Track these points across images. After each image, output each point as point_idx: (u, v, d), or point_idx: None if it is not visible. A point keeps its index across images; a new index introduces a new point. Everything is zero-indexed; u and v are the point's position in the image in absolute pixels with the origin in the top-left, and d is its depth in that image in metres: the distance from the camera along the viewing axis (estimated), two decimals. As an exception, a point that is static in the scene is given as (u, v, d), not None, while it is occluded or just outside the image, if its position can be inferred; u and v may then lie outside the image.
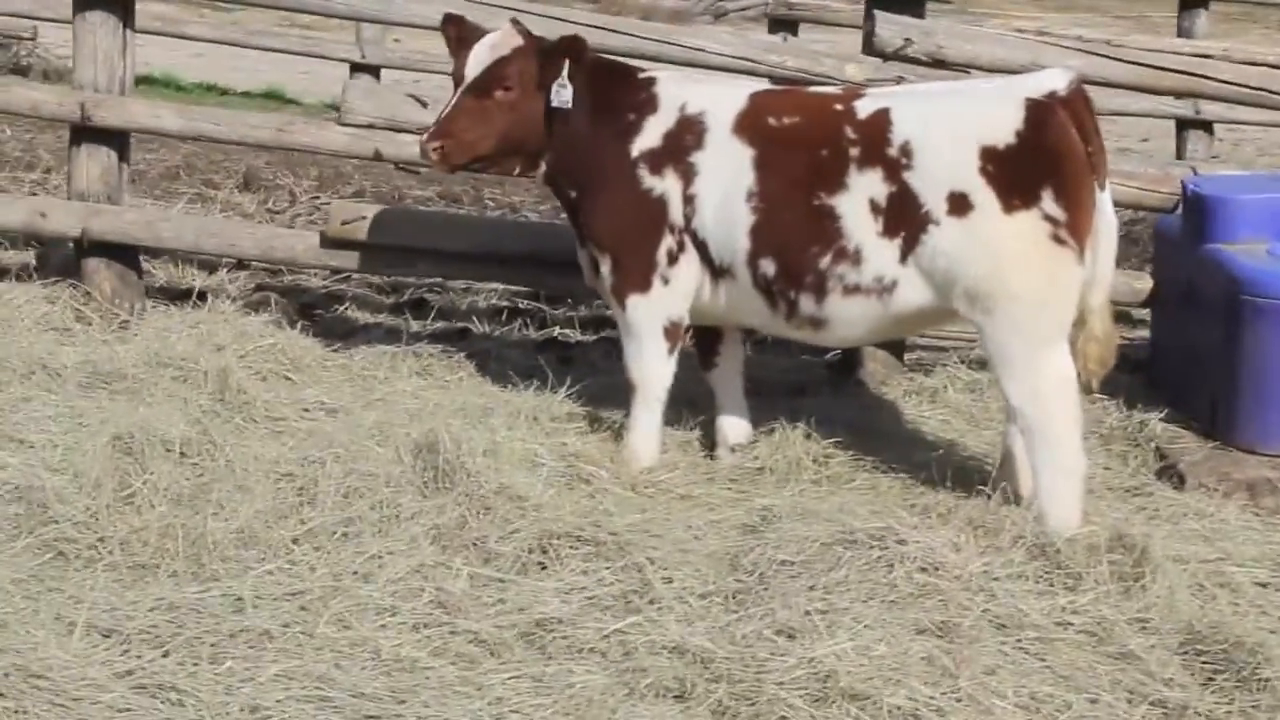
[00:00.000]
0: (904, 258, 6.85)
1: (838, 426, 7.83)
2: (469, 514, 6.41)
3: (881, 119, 6.92)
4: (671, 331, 7.33)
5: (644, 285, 7.26)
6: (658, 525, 6.71)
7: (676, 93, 7.33)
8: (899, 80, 8.13)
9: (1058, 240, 6.66)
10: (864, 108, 7.00)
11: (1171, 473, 7.60)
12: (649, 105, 7.30)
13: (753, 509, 6.94)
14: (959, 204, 6.74)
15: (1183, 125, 15.83)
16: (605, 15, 8.67)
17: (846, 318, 7.03)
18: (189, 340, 8.36)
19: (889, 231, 6.85)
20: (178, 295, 9.54)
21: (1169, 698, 5.66)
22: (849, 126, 6.96)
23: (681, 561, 6.36)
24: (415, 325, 9.51)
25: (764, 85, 7.70)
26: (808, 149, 7.00)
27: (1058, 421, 6.73)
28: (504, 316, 9.79)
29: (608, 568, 6.25)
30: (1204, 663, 5.87)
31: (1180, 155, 15.59)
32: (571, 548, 6.38)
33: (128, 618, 5.82)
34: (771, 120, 7.12)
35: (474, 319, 9.68)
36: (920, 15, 8.47)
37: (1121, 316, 9.68)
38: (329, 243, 8.70)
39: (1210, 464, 7.58)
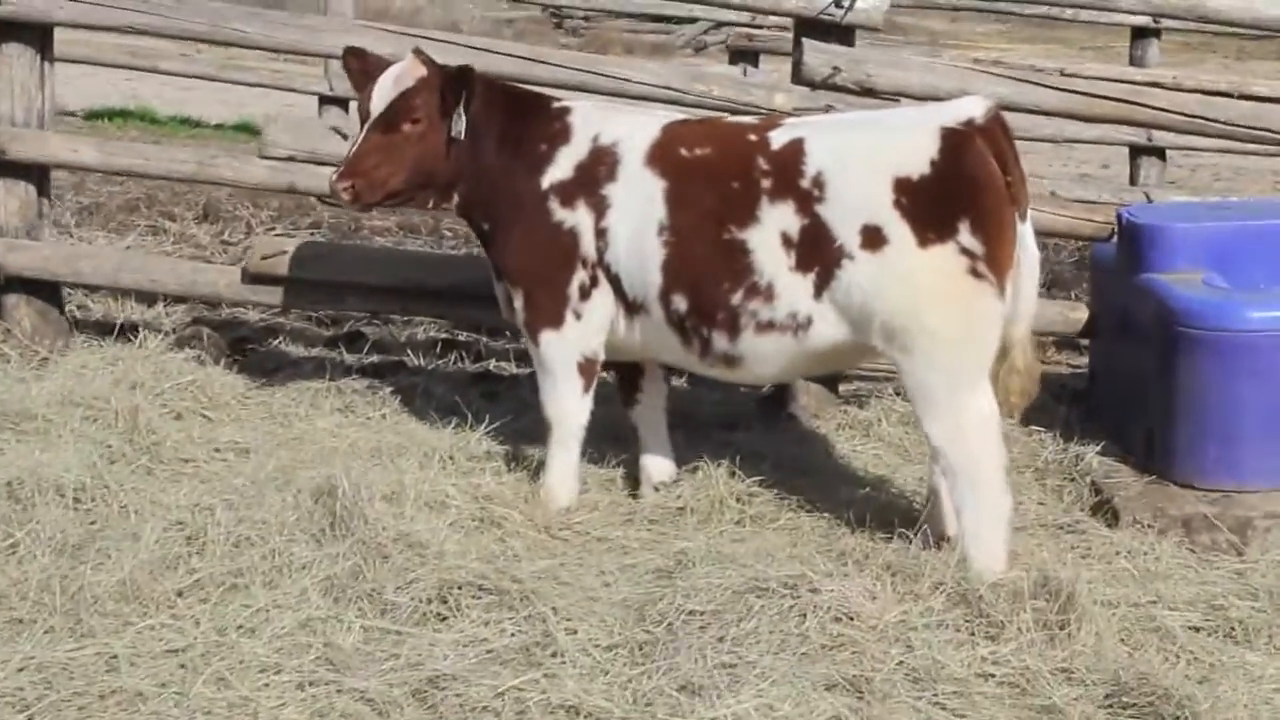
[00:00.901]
0: (818, 293, 6.32)
1: (765, 463, 7.31)
2: (364, 563, 5.88)
3: (795, 150, 6.40)
4: (586, 368, 6.82)
5: (556, 320, 6.74)
6: (568, 571, 6.17)
7: (589, 123, 6.81)
8: (828, 109, 7.61)
9: (975, 274, 6.13)
10: (778, 138, 6.48)
11: (1106, 508, 7.08)
12: (561, 136, 6.78)
13: (669, 552, 6.39)
14: (872, 237, 6.21)
15: (1136, 152, 15.36)
16: (529, 46, 8.11)
17: (761, 355, 6.51)
18: (106, 378, 7.78)
19: (802, 266, 6.32)
20: (111, 330, 9.00)
21: (1091, 756, 5.14)
22: (761, 158, 6.43)
23: (588, 611, 5.80)
24: (350, 359, 8.95)
25: (681, 116, 7.12)
26: (719, 181, 6.47)
27: (981, 462, 6.21)
28: (438, 349, 9.22)
29: (510, 618, 5.72)
30: (1130, 716, 5.35)
31: (1133, 181, 15.18)
32: (474, 597, 5.85)
33: (-10, 679, 5.29)
34: (684, 151, 6.59)
35: (409, 352, 9.12)
36: (849, 44, 7.93)
37: (1067, 345, 9.22)
38: (251, 278, 8.17)
39: (1146, 499, 7.06)
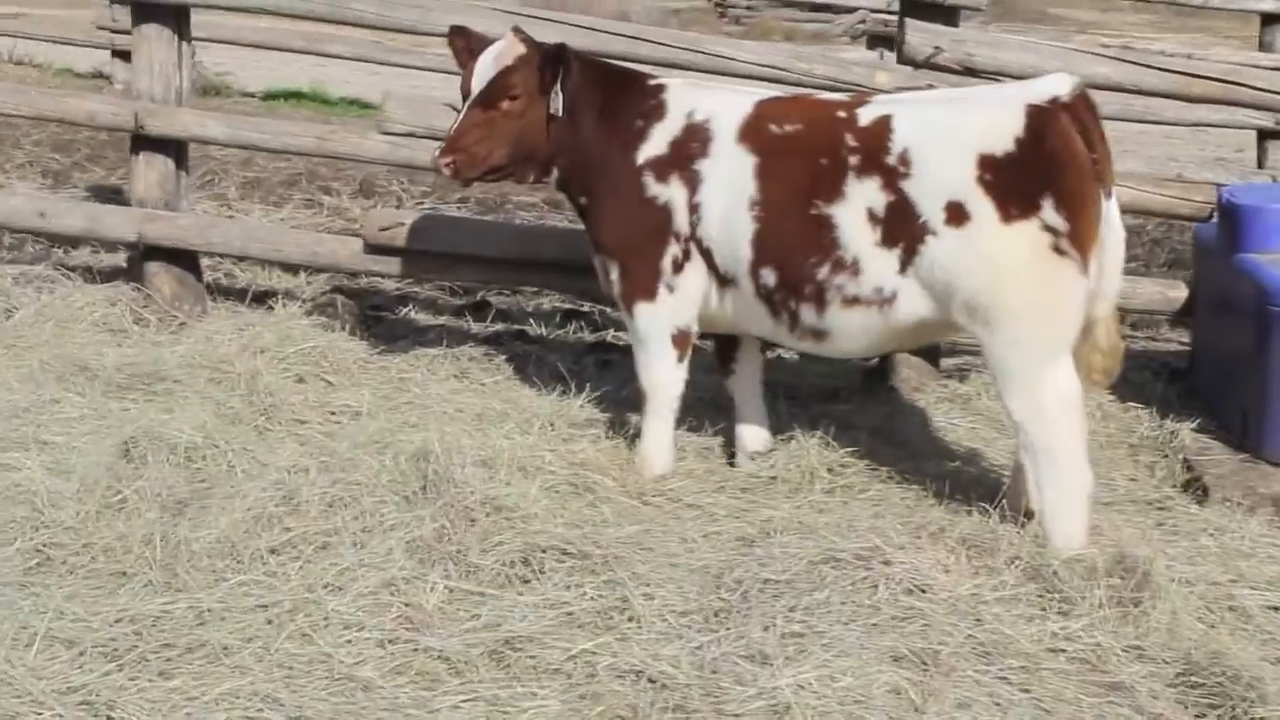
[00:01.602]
0: (903, 268, 6.03)
1: (862, 434, 7.05)
2: (451, 525, 5.68)
3: (882, 126, 6.10)
4: (680, 339, 6.57)
5: (651, 293, 6.50)
6: (653, 537, 5.95)
7: (684, 99, 6.56)
8: (929, 87, 7.30)
9: (1059, 251, 5.78)
10: (866, 114, 6.18)
11: (1196, 485, 6.74)
12: (656, 112, 6.54)
13: (755, 520, 6.17)
14: (957, 213, 5.89)
15: (1264, 136, 14.77)
16: (635, 25, 7.86)
17: (848, 329, 6.22)
18: (234, 343, 7.68)
19: (887, 241, 6.03)
20: (255, 297, 8.91)
21: (1153, 734, 4.84)
22: (849, 134, 6.14)
23: (667, 577, 5.60)
24: (474, 327, 8.78)
25: (774, 92, 6.84)
26: (808, 156, 6.19)
27: (1061, 439, 5.87)
28: (559, 319, 9.03)
29: (591, 583, 5.52)
30: (1199, 696, 5.03)
31: (1261, 165, 14.59)
32: (557, 561, 5.65)
33: (90, 629, 5.18)
34: (774, 127, 6.32)
35: (531, 321, 8.94)
36: (954, 24, 7.60)
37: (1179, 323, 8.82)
38: (370, 249, 8.01)
39: (1237, 477, 6.71)
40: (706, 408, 7.19)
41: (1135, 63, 7.39)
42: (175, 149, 8.18)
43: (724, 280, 6.41)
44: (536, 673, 5.04)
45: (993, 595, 5.38)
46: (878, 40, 16.71)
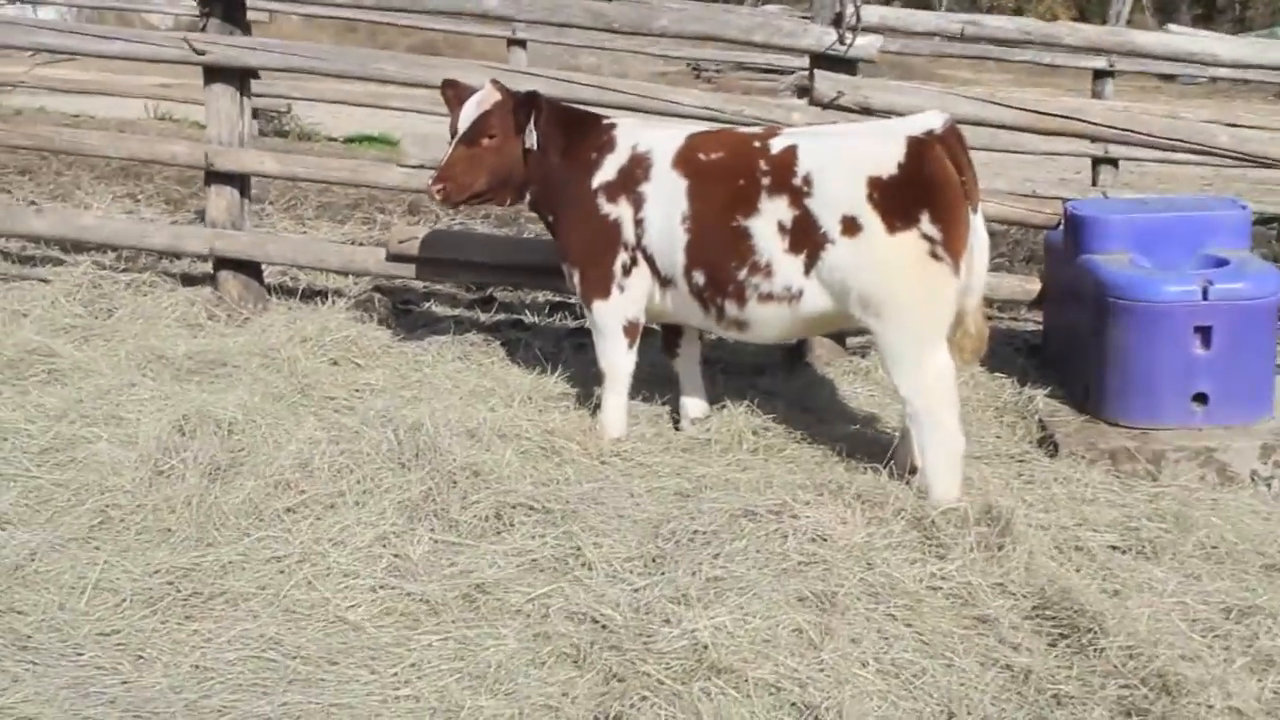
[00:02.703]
0: (807, 270, 5.38)
1: (781, 402, 6.38)
2: (436, 487, 5.02)
3: (789, 154, 5.46)
4: (630, 329, 5.91)
5: (605, 293, 5.85)
6: (605, 493, 5.28)
7: (630, 135, 5.91)
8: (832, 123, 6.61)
9: (935, 256, 5.15)
10: (776, 145, 5.54)
11: (1049, 442, 6.06)
12: (608, 146, 5.89)
13: (692, 477, 5.50)
14: (850, 225, 5.25)
15: (1096, 161, 14.06)
16: (600, 77, 7.15)
17: (763, 320, 5.57)
18: (283, 333, 6.98)
19: (794, 249, 5.38)
20: (310, 295, 8.19)
21: (1016, 662, 4.22)
22: (763, 160, 5.49)
23: (615, 528, 4.96)
24: (483, 318, 8.08)
25: (702, 128, 6.16)
26: (730, 179, 5.54)
27: (939, 409, 5.23)
28: (547, 310, 8.33)
29: (552, 534, 4.89)
30: (1051, 627, 4.40)
31: (1094, 184, 13.88)
32: (526, 515, 5.00)
33: (133, 579, 4.59)
34: (702, 155, 5.66)
35: (526, 312, 8.24)
36: (853, 74, 6.89)
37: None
38: (391, 257, 7.33)
39: (1081, 435, 6.02)
40: (658, 382, 6.51)
41: (996, 103, 6.67)
42: (240, 181, 7.47)
43: (664, 281, 5.76)
44: (501, 613, 4.43)
45: (882, 543, 4.74)
46: (805, 91, 15.97)
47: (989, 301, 7.05)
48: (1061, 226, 6.75)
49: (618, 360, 5.94)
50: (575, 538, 4.81)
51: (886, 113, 6.69)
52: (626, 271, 5.81)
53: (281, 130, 17.73)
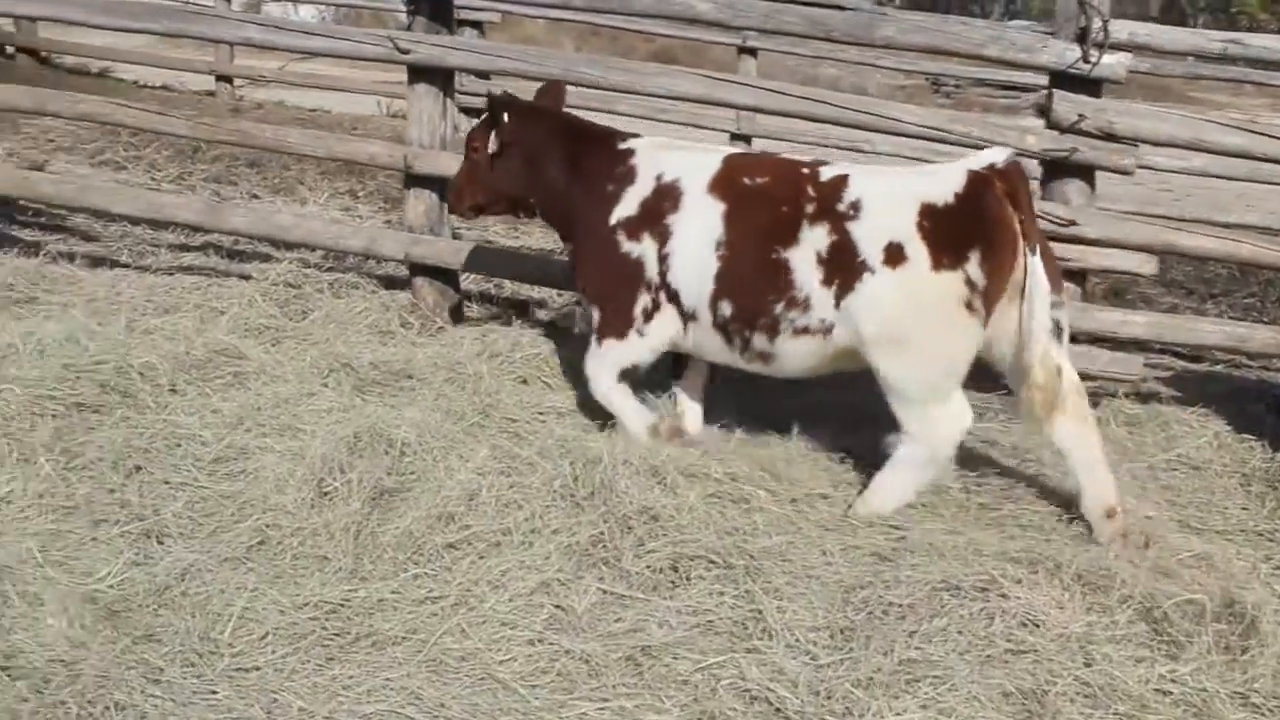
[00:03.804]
0: (839, 301, 5.09)
1: (999, 452, 5.78)
2: (608, 531, 4.60)
3: (839, 181, 5.19)
4: (630, 370, 5.65)
5: (621, 335, 5.57)
6: (796, 549, 4.76)
7: (652, 162, 5.57)
8: (1074, 150, 5.99)
9: (969, 307, 4.91)
10: (827, 172, 5.26)
11: (1306, 520, 5.30)
12: (627, 177, 5.56)
13: (891, 537, 4.94)
14: (895, 255, 4.98)
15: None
16: (814, 89, 6.61)
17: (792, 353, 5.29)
18: (474, 347, 6.67)
19: (830, 278, 5.09)
20: (518, 305, 7.90)
21: (1259, 794, 3.54)
22: (810, 186, 5.22)
23: (802, 591, 4.47)
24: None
25: (738, 149, 6.08)
26: (773, 205, 5.24)
27: (941, 452, 5.10)
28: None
29: (732, 591, 4.43)
30: (1306, 752, 3.71)
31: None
32: (705, 568, 4.54)
33: (280, 611, 4.30)
34: (745, 180, 5.36)
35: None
36: (1096, 95, 6.22)
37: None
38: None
39: (1345, 514, 5.26)
40: (868, 423, 5.97)
41: (1259, 133, 5.92)
42: (439, 185, 7.19)
43: (687, 314, 5.44)
44: (666, 682, 3.99)
45: (1104, 635, 4.15)
46: (1042, 111, 15.10)
47: (1240, 353, 6.34)
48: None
49: (610, 396, 5.62)
50: (757, 599, 4.35)
51: (1132, 139, 6.05)
52: (648, 317, 5.49)
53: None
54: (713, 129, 14.71)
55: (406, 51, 6.83)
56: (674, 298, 5.42)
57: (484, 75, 11.94)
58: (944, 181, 4.98)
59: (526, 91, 6.35)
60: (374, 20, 26.28)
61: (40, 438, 5.29)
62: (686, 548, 4.57)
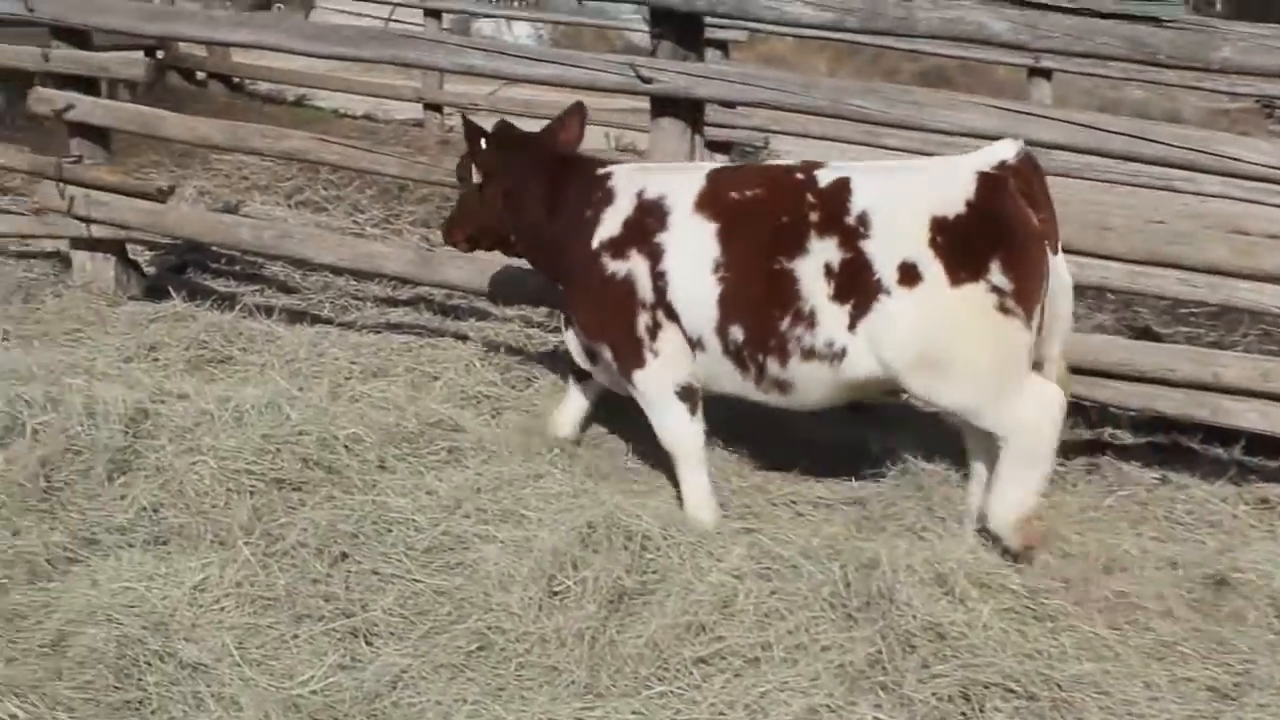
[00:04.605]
0: (853, 325, 5.42)
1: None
2: (887, 650, 4.54)
3: (840, 187, 5.50)
4: (685, 394, 5.86)
5: (639, 360, 5.87)
6: (1113, 678, 4.62)
7: (631, 181, 5.98)
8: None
9: (1004, 310, 5.22)
10: (824, 177, 5.57)
11: None
12: (605, 200, 5.98)
13: (1230, 667, 4.75)
14: (909, 274, 5.29)
15: None
16: (1136, 122, 6.45)
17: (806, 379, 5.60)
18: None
19: (841, 298, 5.41)
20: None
21: None
22: (809, 194, 5.54)
23: (1123, 735, 4.30)
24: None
25: (719, 164, 6.35)
26: (769, 217, 5.57)
27: (1047, 440, 5.37)
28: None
29: (1037, 730, 4.29)
30: None
31: None
32: (1002, 699, 4.44)
33: (504, 731, 4.31)
34: (733, 194, 5.71)
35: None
36: None
37: None
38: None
39: None
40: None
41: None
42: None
43: (694, 343, 5.77)
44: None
45: None
46: None
47: None
48: None
49: (681, 432, 5.88)
50: (1070, 742, 4.23)
51: None
52: (653, 334, 5.78)
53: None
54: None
55: (649, 80, 6.95)
56: (674, 317, 5.74)
57: (729, 105, 12.09)
58: (953, 187, 5.27)
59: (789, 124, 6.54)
60: (598, 38, 26.91)
61: (238, 518, 5.52)
62: (980, 673, 4.49)
